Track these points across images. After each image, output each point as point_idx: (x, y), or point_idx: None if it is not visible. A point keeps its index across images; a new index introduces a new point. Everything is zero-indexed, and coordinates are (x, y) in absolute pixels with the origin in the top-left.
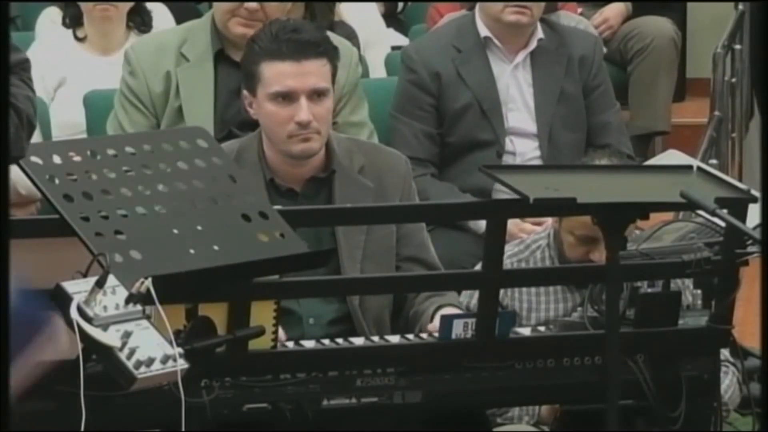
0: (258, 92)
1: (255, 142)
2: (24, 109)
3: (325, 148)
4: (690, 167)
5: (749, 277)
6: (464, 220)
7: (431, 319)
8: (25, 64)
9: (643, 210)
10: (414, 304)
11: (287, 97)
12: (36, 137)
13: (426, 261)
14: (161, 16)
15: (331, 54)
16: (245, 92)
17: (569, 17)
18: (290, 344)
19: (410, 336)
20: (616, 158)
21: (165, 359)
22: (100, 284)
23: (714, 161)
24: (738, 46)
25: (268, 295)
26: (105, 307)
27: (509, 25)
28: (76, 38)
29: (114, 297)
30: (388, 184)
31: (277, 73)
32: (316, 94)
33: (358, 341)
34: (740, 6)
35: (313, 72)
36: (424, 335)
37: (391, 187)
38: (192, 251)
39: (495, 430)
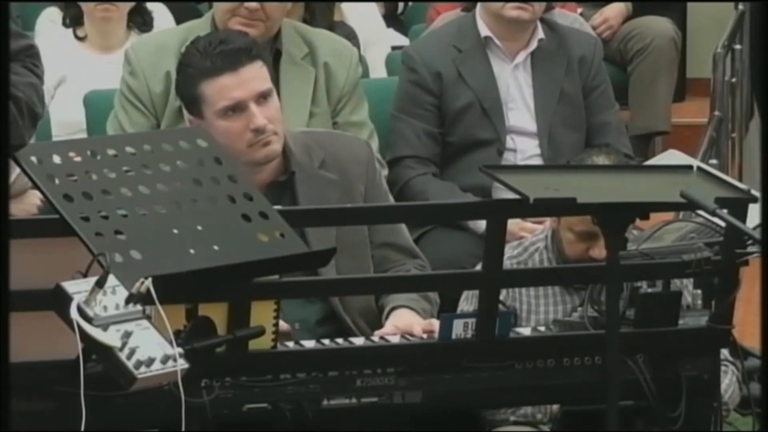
0: (205, 113)
1: None
2: (23, 98)
3: (282, 149)
4: (690, 167)
5: (749, 277)
6: (464, 220)
7: (386, 317)
8: (30, 51)
9: (643, 210)
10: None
11: (236, 109)
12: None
13: (399, 245)
14: (161, 16)
15: (263, 55)
16: (190, 118)
17: (565, 16)
18: (290, 344)
19: (410, 336)
20: (614, 155)
21: (165, 359)
22: (100, 284)
23: (714, 161)
24: (738, 46)
25: (268, 295)
26: (105, 307)
27: (510, 21)
28: (77, 37)
29: (114, 297)
30: (351, 172)
31: (219, 89)
32: (262, 97)
33: (358, 341)
34: (740, 6)
35: (253, 77)
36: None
37: (355, 175)
38: (192, 251)
39: (495, 430)
